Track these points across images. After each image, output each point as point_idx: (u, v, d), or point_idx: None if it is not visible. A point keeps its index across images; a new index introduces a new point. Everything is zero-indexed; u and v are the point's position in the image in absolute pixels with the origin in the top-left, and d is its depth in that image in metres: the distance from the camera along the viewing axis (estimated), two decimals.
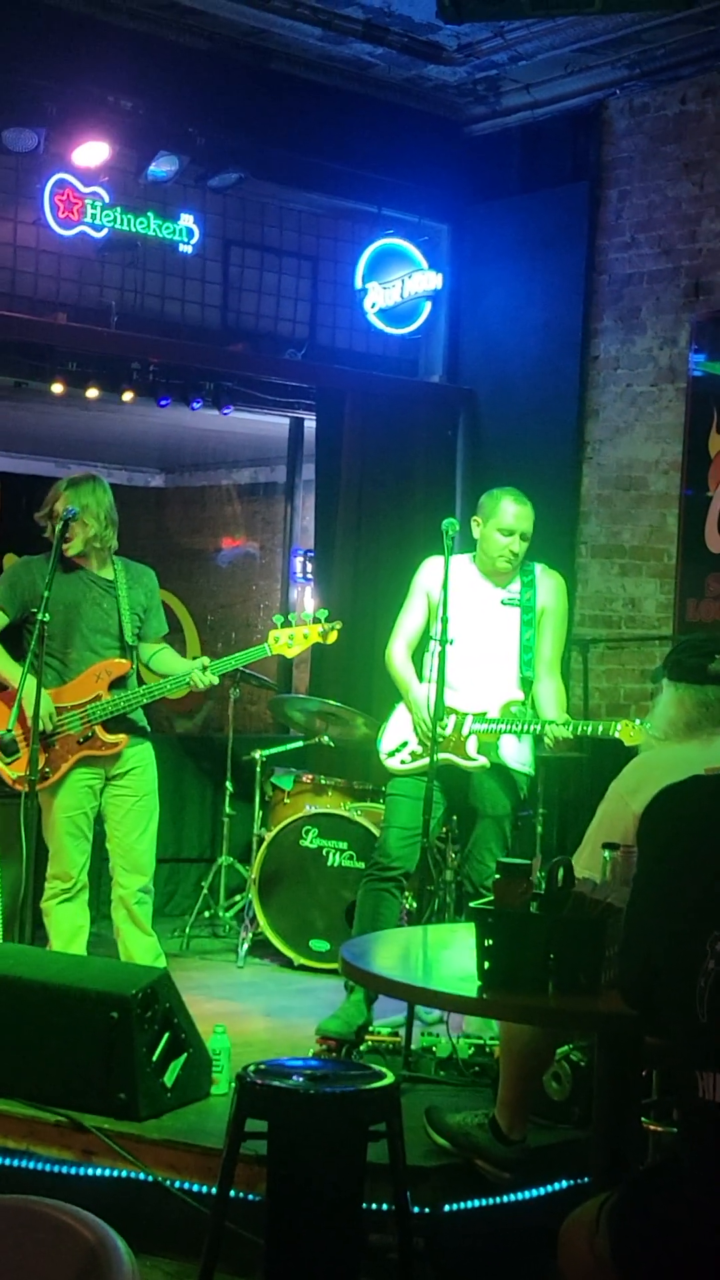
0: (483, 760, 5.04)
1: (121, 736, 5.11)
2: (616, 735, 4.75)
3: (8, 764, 5.08)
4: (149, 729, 5.33)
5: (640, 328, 7.30)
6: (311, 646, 5.36)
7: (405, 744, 5.13)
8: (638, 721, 4.71)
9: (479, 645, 5.07)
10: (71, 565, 5.13)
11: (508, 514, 5.06)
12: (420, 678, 5.13)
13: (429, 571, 5.13)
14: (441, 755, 4.94)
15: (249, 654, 5.26)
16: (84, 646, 5.12)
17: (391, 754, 5.16)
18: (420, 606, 5.17)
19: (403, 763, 5.13)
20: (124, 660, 5.14)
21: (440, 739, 4.90)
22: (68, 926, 5.14)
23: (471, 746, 5.04)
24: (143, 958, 5.19)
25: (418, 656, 5.21)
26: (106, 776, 5.17)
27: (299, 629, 5.25)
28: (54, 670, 5.08)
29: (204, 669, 5.14)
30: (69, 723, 5.05)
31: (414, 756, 5.10)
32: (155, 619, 5.32)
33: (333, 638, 5.30)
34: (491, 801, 5.10)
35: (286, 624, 5.26)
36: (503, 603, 5.12)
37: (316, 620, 5.27)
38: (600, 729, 4.84)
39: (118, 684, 5.13)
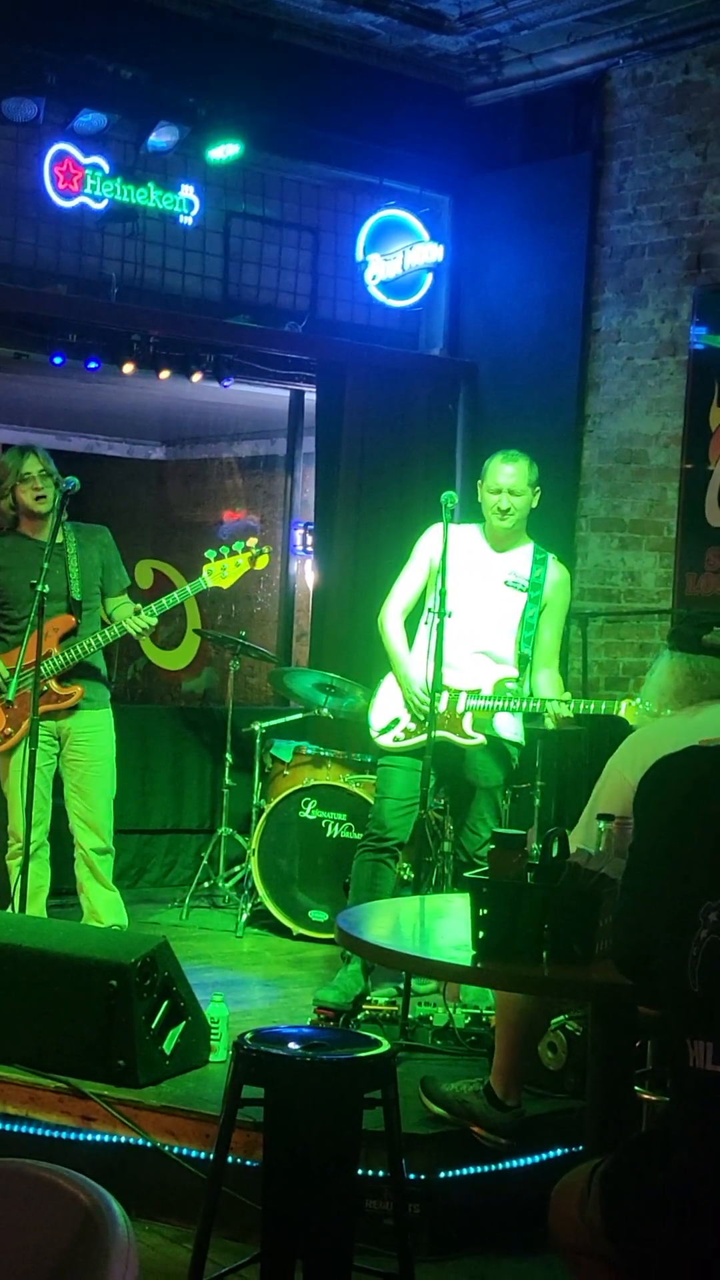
0: (480, 738, 5.03)
1: (76, 688, 5.33)
2: (621, 715, 4.71)
3: None
4: (109, 698, 5.50)
5: (641, 300, 7.28)
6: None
7: (397, 721, 5.10)
8: (639, 701, 4.69)
9: (477, 621, 5.03)
10: (17, 533, 5.41)
11: (493, 472, 5.10)
12: (412, 647, 5.13)
13: (433, 538, 5.06)
14: (437, 733, 4.92)
15: (185, 590, 5.48)
16: (32, 610, 5.25)
17: (383, 731, 5.13)
18: (420, 572, 5.14)
19: (395, 740, 5.10)
20: (70, 615, 5.33)
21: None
22: (28, 884, 5.21)
23: (468, 724, 5.02)
24: (105, 911, 5.42)
25: (411, 624, 5.19)
26: (59, 737, 5.35)
27: (230, 559, 5.46)
28: (10, 636, 5.33)
29: (136, 613, 5.36)
30: (25, 682, 5.21)
31: (407, 734, 5.07)
32: (117, 573, 5.55)
33: (262, 562, 5.51)
34: (484, 773, 5.11)
35: (219, 556, 5.47)
36: (507, 583, 5.09)
37: (246, 549, 5.47)
38: (604, 708, 4.81)
39: (66, 639, 5.32)
